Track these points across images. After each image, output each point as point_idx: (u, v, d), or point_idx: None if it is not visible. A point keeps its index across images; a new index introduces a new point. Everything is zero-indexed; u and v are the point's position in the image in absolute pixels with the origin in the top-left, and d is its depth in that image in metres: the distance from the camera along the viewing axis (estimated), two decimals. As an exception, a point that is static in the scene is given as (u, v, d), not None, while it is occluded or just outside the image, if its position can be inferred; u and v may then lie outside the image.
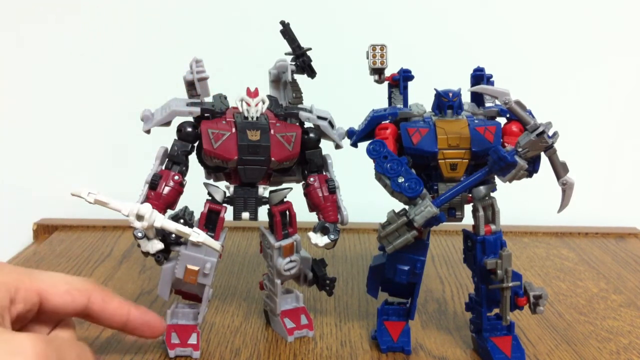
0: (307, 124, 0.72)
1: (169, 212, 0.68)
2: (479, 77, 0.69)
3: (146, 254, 0.64)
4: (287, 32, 0.72)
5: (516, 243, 1.11)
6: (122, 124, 1.12)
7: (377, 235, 0.66)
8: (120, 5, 1.14)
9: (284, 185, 0.74)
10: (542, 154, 0.64)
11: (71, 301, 0.54)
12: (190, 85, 0.68)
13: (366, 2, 1.15)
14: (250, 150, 0.67)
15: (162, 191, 0.66)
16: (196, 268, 0.67)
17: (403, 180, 0.64)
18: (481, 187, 0.66)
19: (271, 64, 0.73)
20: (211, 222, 0.69)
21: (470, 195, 0.67)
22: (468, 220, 0.69)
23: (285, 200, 0.72)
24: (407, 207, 0.65)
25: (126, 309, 0.58)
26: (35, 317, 0.53)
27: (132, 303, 0.59)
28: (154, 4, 1.14)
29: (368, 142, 0.66)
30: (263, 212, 0.71)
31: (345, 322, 0.79)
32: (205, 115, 0.68)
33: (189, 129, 0.68)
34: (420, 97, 0.71)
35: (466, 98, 0.71)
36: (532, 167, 0.66)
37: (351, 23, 1.15)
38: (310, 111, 0.72)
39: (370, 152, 0.65)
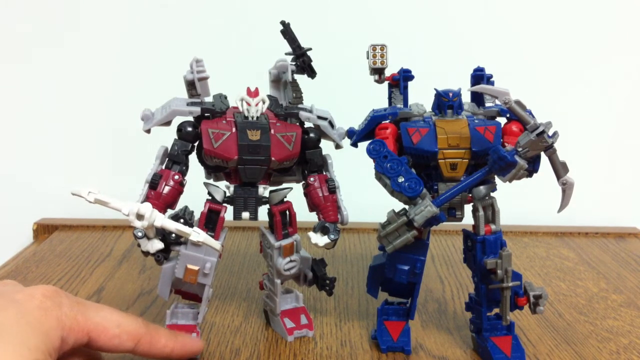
0: (307, 124, 0.72)
1: (169, 211, 0.68)
2: (479, 77, 0.69)
3: (146, 253, 0.64)
4: (287, 32, 0.72)
5: (516, 243, 1.11)
6: (122, 123, 1.12)
7: (377, 235, 0.66)
8: (121, 4, 1.14)
9: (284, 185, 0.74)
10: (542, 153, 0.64)
11: (117, 344, 0.54)
12: (191, 85, 0.68)
13: (366, 2, 1.16)
14: (251, 150, 0.67)
15: (162, 191, 0.66)
16: (196, 268, 0.67)
17: (403, 179, 0.64)
18: (481, 187, 0.67)
19: (271, 64, 0.73)
20: (211, 221, 0.69)
21: (470, 195, 0.67)
22: (468, 220, 0.69)
23: (285, 200, 0.72)
24: (407, 206, 0.65)
25: (169, 348, 0.59)
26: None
27: (174, 337, 0.60)
28: (155, 3, 1.14)
29: (368, 142, 0.66)
30: (263, 212, 0.71)
31: (345, 322, 0.79)
32: (206, 115, 0.68)
33: (189, 129, 0.68)
34: (420, 97, 0.71)
35: (466, 98, 0.71)
36: (532, 167, 0.66)
37: (351, 23, 1.15)
38: (311, 111, 0.72)
39: (370, 151, 0.65)
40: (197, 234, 0.62)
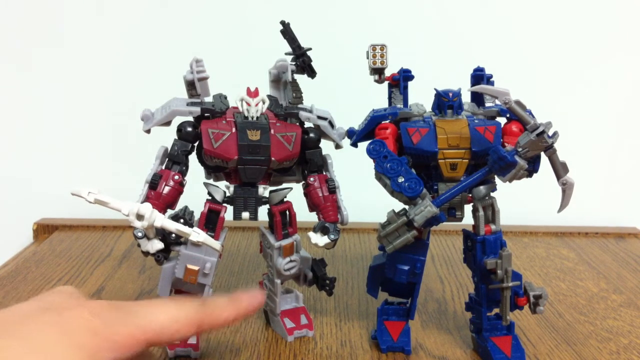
0: (307, 124, 0.72)
1: (169, 211, 0.68)
2: (479, 77, 0.69)
3: (146, 253, 0.64)
4: (287, 32, 0.72)
5: (516, 243, 1.11)
6: (122, 123, 1.12)
7: (377, 235, 0.66)
8: (121, 4, 1.14)
9: (284, 185, 0.74)
10: (542, 153, 0.64)
11: (179, 338, 0.50)
12: (191, 85, 0.68)
13: (366, 2, 1.16)
14: (251, 150, 0.67)
15: (162, 191, 0.66)
16: (196, 268, 0.67)
17: (403, 180, 0.64)
18: (481, 187, 0.67)
19: (271, 64, 0.73)
20: (211, 221, 0.69)
21: (470, 195, 0.67)
22: (468, 220, 0.69)
23: (285, 200, 0.72)
24: (407, 207, 0.65)
25: (232, 317, 0.54)
26: None
27: (235, 304, 0.54)
28: (155, 3, 1.14)
29: (368, 142, 0.66)
30: (263, 212, 0.71)
31: (345, 322, 0.79)
32: (206, 115, 0.68)
33: (189, 129, 0.68)
34: (420, 97, 0.71)
35: (466, 98, 0.71)
36: (532, 167, 0.66)
37: (351, 23, 1.15)
38: (311, 111, 0.72)
39: (370, 152, 0.65)
40: (197, 234, 0.62)
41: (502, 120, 0.69)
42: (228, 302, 0.54)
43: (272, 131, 0.68)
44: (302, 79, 0.73)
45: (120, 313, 0.46)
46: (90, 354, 0.42)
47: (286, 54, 0.72)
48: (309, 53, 0.72)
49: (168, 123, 0.68)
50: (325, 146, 0.74)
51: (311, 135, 0.72)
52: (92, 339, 0.43)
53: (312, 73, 0.73)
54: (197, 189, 0.70)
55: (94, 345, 0.43)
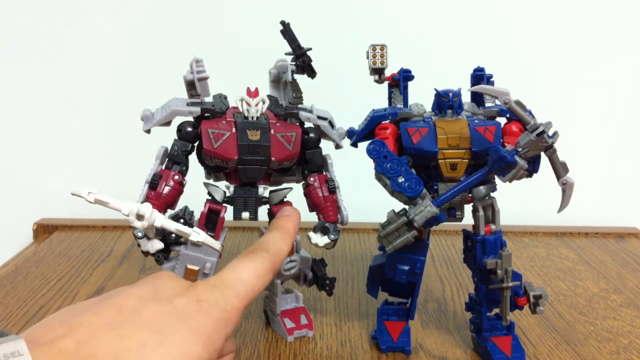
0: (307, 124, 0.72)
1: (169, 211, 0.68)
2: (479, 77, 0.69)
3: (146, 253, 0.64)
4: (287, 32, 0.72)
5: (516, 243, 1.11)
6: (122, 123, 1.12)
7: (377, 235, 0.66)
8: (121, 4, 1.14)
9: (284, 185, 0.74)
10: (542, 153, 0.64)
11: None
12: (191, 85, 0.68)
13: (366, 2, 1.16)
14: (251, 150, 0.67)
15: (162, 191, 0.66)
16: (196, 268, 0.67)
17: (403, 180, 0.64)
18: (481, 187, 0.67)
19: (271, 64, 0.73)
20: (211, 221, 0.69)
21: (470, 195, 0.67)
22: (468, 220, 0.69)
23: (285, 200, 0.72)
24: (407, 206, 0.65)
25: (290, 246, 0.56)
26: None
27: (284, 230, 0.56)
28: (155, 3, 1.14)
29: (368, 142, 0.66)
30: (263, 212, 0.71)
31: (345, 322, 0.79)
32: (206, 115, 0.68)
33: (189, 129, 0.68)
34: (420, 97, 0.71)
35: (466, 98, 0.71)
36: (532, 167, 0.66)
37: (351, 23, 1.15)
38: (311, 111, 0.72)
39: (370, 152, 0.65)
40: (197, 234, 0.62)
41: (502, 120, 0.69)
42: (279, 235, 0.56)
43: (272, 131, 0.68)
44: (302, 79, 0.73)
45: (218, 290, 0.47)
46: (208, 338, 0.43)
47: (286, 54, 0.72)
48: (309, 53, 0.72)
49: (168, 123, 0.68)
50: (325, 146, 0.74)
51: (311, 135, 0.72)
52: (206, 323, 0.44)
53: (312, 73, 0.73)
54: (197, 189, 0.70)
55: (210, 327, 0.44)
